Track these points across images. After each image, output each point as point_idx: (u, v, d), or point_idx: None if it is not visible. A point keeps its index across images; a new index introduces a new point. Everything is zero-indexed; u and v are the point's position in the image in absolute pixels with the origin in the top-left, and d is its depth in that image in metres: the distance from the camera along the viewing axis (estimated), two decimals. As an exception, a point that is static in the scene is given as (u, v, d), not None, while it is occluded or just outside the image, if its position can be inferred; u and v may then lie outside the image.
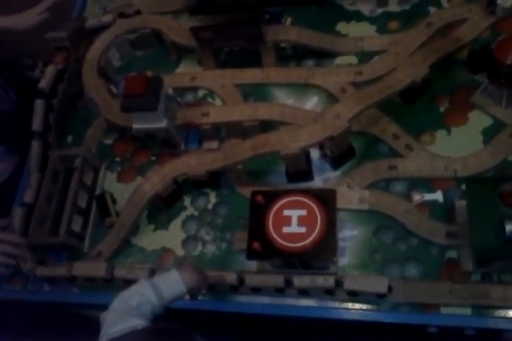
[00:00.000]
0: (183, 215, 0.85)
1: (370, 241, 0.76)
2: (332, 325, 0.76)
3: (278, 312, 0.75)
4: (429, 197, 0.77)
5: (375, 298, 0.70)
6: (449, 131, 0.82)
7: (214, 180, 0.85)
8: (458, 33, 0.89)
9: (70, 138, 1.00)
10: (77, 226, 0.85)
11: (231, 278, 0.73)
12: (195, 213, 0.84)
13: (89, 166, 0.90)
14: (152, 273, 0.75)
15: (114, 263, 0.79)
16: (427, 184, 0.78)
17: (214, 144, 0.88)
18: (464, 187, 0.73)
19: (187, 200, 0.86)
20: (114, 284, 0.78)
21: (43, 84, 0.94)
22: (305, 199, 0.74)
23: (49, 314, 1.08)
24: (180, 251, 0.82)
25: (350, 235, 0.77)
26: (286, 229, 0.72)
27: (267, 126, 0.86)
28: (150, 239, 0.84)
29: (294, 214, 0.73)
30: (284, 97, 0.92)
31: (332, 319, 0.72)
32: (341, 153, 0.83)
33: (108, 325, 0.58)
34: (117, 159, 0.93)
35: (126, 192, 0.85)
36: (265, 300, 0.76)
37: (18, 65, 1.14)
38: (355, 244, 0.77)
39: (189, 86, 0.96)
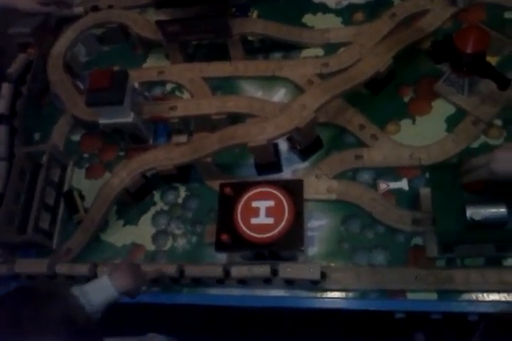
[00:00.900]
0: (153, 210, 0.84)
1: (338, 230, 0.77)
2: (299, 314, 0.76)
3: (248, 303, 0.76)
4: (394, 185, 0.78)
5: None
6: (413, 120, 0.83)
7: (183, 174, 0.85)
8: (421, 23, 0.90)
9: (37, 136, 0.98)
10: (45, 224, 0.84)
11: (171, 270, 0.74)
12: (165, 208, 0.84)
13: (56, 163, 0.89)
14: (94, 267, 0.76)
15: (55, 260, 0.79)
16: (393, 173, 0.79)
17: (183, 138, 0.88)
18: (428, 175, 0.75)
19: (156, 195, 0.85)
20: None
21: (12, 69, 0.95)
22: (273, 191, 0.75)
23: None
24: (150, 246, 0.82)
25: (318, 225, 0.78)
26: (254, 221, 0.73)
27: (236, 118, 0.86)
28: (120, 235, 0.83)
29: (262, 205, 0.74)
30: (252, 90, 0.93)
31: (301, 308, 0.73)
32: (309, 144, 0.84)
33: None
34: (85, 155, 0.93)
35: (94, 188, 0.85)
36: (235, 292, 0.76)
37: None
38: (324, 234, 0.77)
39: (157, 80, 0.95)
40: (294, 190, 0.74)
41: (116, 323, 0.74)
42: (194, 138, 0.87)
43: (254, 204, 0.74)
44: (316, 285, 0.73)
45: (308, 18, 0.97)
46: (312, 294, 0.74)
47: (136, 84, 0.86)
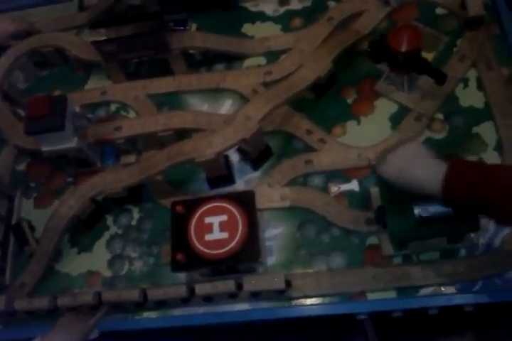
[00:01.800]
0: (107, 235, 0.82)
1: (294, 237, 0.77)
2: (266, 326, 0.76)
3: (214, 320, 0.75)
4: (345, 187, 0.79)
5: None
6: (358, 121, 0.84)
7: (135, 194, 0.83)
8: (357, 25, 0.92)
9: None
10: (-5, 260, 0.81)
11: (133, 295, 0.72)
12: (119, 231, 0.82)
13: (2, 195, 0.86)
14: (54, 300, 0.74)
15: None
16: (343, 175, 0.80)
17: (131, 158, 0.86)
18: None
19: (109, 219, 0.83)
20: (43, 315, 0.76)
21: None
22: (224, 204, 0.74)
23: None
24: (107, 272, 0.79)
25: (275, 234, 0.78)
26: (208, 237, 0.72)
27: (184, 133, 0.85)
28: (75, 264, 0.81)
29: (215, 220, 0.73)
30: (198, 103, 0.92)
31: (267, 320, 0.73)
32: (259, 153, 0.84)
33: None
34: (32, 184, 0.90)
35: (45, 217, 0.82)
36: (200, 310, 0.75)
37: None
38: (281, 242, 0.77)
39: (100, 101, 0.93)
40: (246, 201, 0.74)
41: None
42: (143, 157, 0.86)
43: (207, 220, 0.73)
44: (282, 294, 0.73)
45: (247, 28, 0.98)
46: (275, 304, 0.73)
47: (77, 108, 0.84)
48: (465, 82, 0.84)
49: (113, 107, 0.94)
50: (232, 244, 0.71)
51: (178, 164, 0.79)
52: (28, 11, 1.08)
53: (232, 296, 0.75)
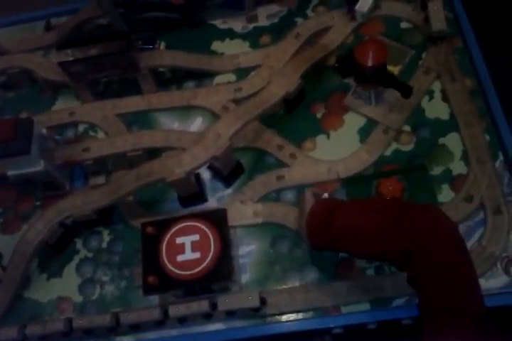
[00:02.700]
0: (77, 259, 0.80)
1: (268, 253, 0.76)
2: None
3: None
4: (317, 202, 0.79)
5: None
6: (328, 135, 0.85)
7: (105, 216, 0.81)
8: (324, 40, 0.93)
9: None
10: (-40, 290, 0.78)
11: (104, 320, 0.71)
12: (89, 254, 0.80)
13: (-33, 222, 0.84)
14: (23, 329, 0.71)
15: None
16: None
17: (101, 179, 0.85)
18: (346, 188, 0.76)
19: (79, 242, 0.81)
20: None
21: None
22: (196, 224, 0.73)
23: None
24: (77, 298, 0.77)
25: (248, 251, 0.77)
26: (180, 258, 0.70)
27: (154, 152, 0.84)
28: (44, 290, 0.78)
29: (187, 240, 0.72)
30: (169, 122, 0.92)
31: (237, 339, 0.71)
32: (230, 170, 0.84)
33: None
34: (-1, 209, 0.88)
35: (12, 243, 0.79)
36: (173, 332, 0.73)
37: None
38: (254, 259, 0.76)
39: (68, 122, 0.92)
40: (218, 219, 0.73)
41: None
42: (112, 178, 0.85)
43: (179, 240, 0.72)
44: (257, 312, 0.72)
45: (217, 45, 0.98)
46: (250, 322, 0.72)
47: (44, 130, 0.83)
48: (430, 94, 0.85)
49: (81, 128, 0.93)
50: (205, 264, 0.69)
51: (148, 184, 0.78)
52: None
53: (207, 316, 0.74)
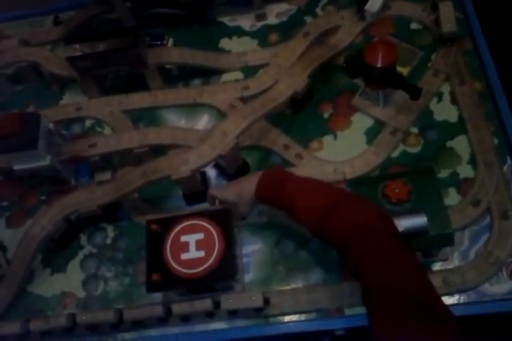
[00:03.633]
0: (81, 254, 0.80)
1: (272, 253, 0.76)
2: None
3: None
4: (322, 202, 0.79)
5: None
6: (335, 136, 0.84)
7: (109, 213, 0.81)
8: (333, 40, 0.92)
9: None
10: (-35, 283, 0.78)
11: (108, 316, 0.71)
12: (94, 250, 0.81)
13: (-28, 215, 0.84)
14: (27, 323, 0.72)
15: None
16: (320, 190, 0.80)
17: (107, 175, 0.85)
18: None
19: (83, 238, 0.82)
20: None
21: None
22: (201, 222, 0.73)
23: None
24: (81, 293, 0.78)
25: (252, 250, 0.77)
26: (184, 256, 0.70)
27: (160, 149, 0.84)
28: (48, 285, 0.79)
29: (192, 239, 0.72)
30: (175, 119, 0.91)
31: (239, 338, 0.72)
32: (236, 169, 0.83)
33: None
34: (4, 204, 0.88)
35: (17, 237, 0.79)
36: (176, 330, 0.73)
37: None
38: (258, 258, 0.76)
39: (75, 117, 0.92)
40: (223, 219, 0.73)
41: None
42: (118, 174, 0.85)
43: (183, 238, 0.71)
44: (260, 312, 0.72)
45: (224, 43, 0.98)
46: (253, 322, 0.72)
47: (51, 125, 0.83)
48: (439, 96, 0.85)
49: (88, 123, 0.93)
50: (209, 263, 0.69)
51: (153, 181, 0.77)
52: (2, 25, 1.07)
53: (210, 315, 0.74)
